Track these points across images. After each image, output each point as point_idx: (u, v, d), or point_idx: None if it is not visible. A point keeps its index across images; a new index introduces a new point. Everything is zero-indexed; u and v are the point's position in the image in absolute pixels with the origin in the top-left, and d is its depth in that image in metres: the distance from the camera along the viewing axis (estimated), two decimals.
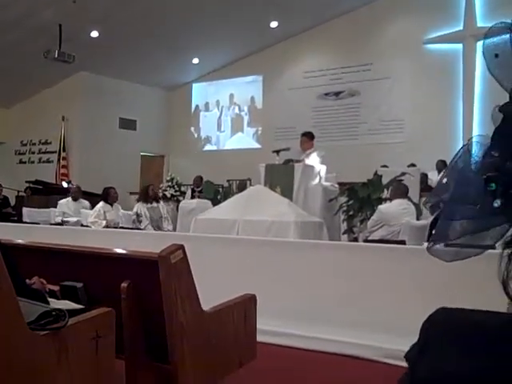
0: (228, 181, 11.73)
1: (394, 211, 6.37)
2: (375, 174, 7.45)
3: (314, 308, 4.22)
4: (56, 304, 2.33)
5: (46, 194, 11.88)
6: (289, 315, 4.25)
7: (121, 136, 14.39)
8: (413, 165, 10.11)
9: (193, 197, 10.51)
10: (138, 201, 8.60)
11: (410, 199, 6.90)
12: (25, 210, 9.80)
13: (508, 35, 0.67)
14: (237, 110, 14.84)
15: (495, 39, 0.69)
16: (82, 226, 8.25)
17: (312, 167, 7.38)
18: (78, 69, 12.93)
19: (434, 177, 10.45)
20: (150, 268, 2.47)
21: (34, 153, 14.72)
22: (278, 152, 7.59)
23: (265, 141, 13.61)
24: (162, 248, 2.48)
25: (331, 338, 3.98)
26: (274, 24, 12.52)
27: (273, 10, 11.66)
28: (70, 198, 9.45)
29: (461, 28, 11.41)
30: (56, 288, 2.66)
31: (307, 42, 13.08)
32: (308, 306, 4.24)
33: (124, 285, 2.55)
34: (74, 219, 8.81)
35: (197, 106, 15.43)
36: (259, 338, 3.15)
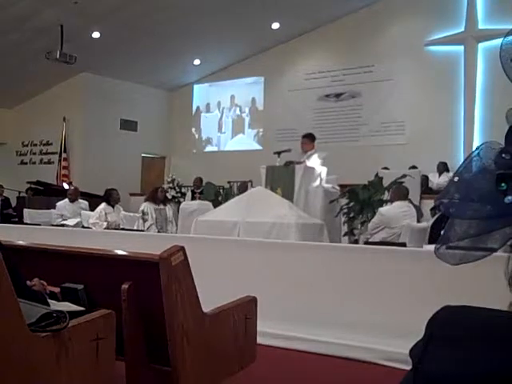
0: (229, 182, 11.72)
1: (395, 213, 6.37)
2: (376, 175, 7.44)
3: (314, 310, 4.21)
4: (57, 306, 2.33)
5: (47, 195, 11.88)
6: (289, 317, 4.25)
7: (122, 137, 14.40)
8: (414, 167, 10.12)
9: (193, 198, 10.51)
10: (147, 200, 8.67)
11: (410, 201, 6.91)
12: (26, 211, 9.80)
13: None
14: (238, 112, 14.84)
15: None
16: (83, 227, 8.25)
17: (313, 169, 7.37)
18: (79, 70, 12.94)
19: (434, 179, 10.47)
20: (150, 270, 2.47)
21: (35, 154, 14.73)
22: (279, 153, 7.59)
23: (266, 142, 13.60)
24: (162, 250, 2.48)
25: (331, 340, 3.98)
26: (275, 25, 12.53)
27: (274, 11, 11.67)
28: (67, 200, 9.45)
29: (462, 30, 11.40)
30: (56, 290, 2.66)
31: (308, 43, 13.08)
32: (309, 308, 4.24)
33: (125, 286, 2.55)
34: (73, 221, 8.81)
35: (198, 108, 15.43)
36: (259, 339, 3.15)
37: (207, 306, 2.69)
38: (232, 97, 14.84)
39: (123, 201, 9.75)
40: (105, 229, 7.73)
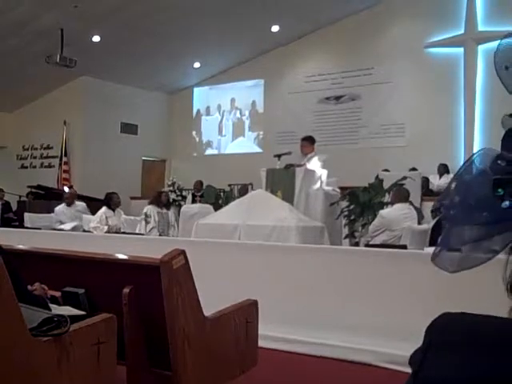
0: (229, 185, 11.73)
1: (396, 216, 6.36)
2: (376, 178, 7.44)
3: (315, 313, 4.21)
4: (58, 310, 2.33)
5: (47, 199, 11.88)
6: (291, 320, 4.25)
7: (122, 140, 14.41)
8: (414, 169, 10.12)
9: (194, 201, 10.52)
10: (151, 203, 8.71)
11: (411, 203, 6.90)
12: (26, 215, 9.80)
13: None
14: (238, 115, 14.85)
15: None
16: (84, 231, 8.25)
17: (313, 172, 7.37)
18: (79, 73, 12.96)
19: (435, 181, 10.46)
20: (151, 273, 2.47)
21: (35, 157, 14.73)
22: (279, 156, 7.58)
23: (266, 145, 13.61)
24: (163, 253, 2.48)
25: (333, 343, 3.98)
26: (275, 28, 12.54)
27: (274, 14, 11.68)
28: (64, 204, 9.45)
29: (462, 32, 11.41)
30: (58, 294, 2.66)
31: (308, 46, 13.10)
32: (310, 311, 4.23)
33: (126, 290, 2.55)
34: (70, 225, 8.81)
35: (198, 111, 15.44)
36: (260, 343, 3.15)
37: (208, 310, 2.69)
38: (232, 100, 14.85)
39: (124, 204, 9.75)
40: (106, 233, 7.73)
